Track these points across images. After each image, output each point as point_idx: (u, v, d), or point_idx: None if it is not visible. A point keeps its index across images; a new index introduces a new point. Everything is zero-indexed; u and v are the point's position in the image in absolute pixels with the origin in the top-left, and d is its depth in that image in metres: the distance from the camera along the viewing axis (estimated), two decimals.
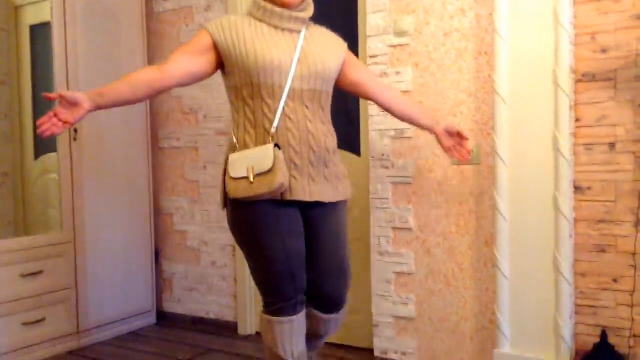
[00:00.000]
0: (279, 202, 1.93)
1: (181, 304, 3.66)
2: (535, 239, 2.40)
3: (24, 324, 2.98)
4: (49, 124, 1.74)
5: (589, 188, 2.37)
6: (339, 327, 2.21)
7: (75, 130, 3.20)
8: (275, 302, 2.01)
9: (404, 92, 2.75)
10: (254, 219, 1.93)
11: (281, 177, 1.84)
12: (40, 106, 3.38)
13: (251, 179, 1.86)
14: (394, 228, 2.81)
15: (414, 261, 2.77)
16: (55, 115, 1.75)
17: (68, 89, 3.16)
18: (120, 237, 3.44)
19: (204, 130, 3.52)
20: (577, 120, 2.38)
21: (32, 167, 3.54)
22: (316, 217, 2.03)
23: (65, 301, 3.16)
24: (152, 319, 3.62)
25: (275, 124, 1.91)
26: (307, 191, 1.95)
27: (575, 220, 2.39)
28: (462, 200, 2.66)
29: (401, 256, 2.80)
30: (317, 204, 2.00)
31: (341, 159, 2.13)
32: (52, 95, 1.79)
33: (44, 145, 3.39)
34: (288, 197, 1.93)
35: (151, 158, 3.62)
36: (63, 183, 3.18)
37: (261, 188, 1.85)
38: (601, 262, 2.35)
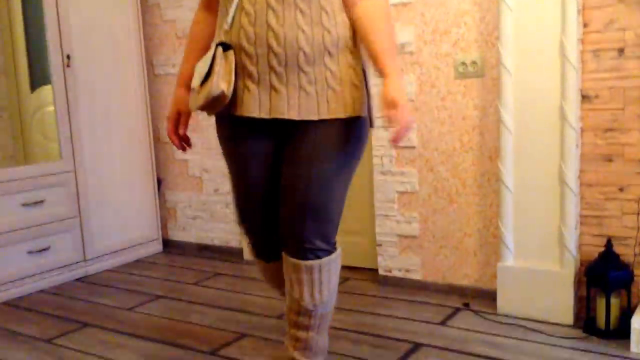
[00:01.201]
0: (237, 120, 1.62)
1: (186, 231, 3.67)
2: (541, 151, 2.35)
3: (30, 252, 3.00)
4: (175, 142, 1.83)
5: (596, 96, 2.30)
6: (322, 298, 1.69)
7: (68, 57, 3.13)
8: (246, 235, 1.84)
9: (406, 3, 2.65)
10: (219, 138, 1.75)
11: (217, 84, 1.51)
12: (33, 36, 3.29)
13: (196, 88, 1.58)
14: (396, 147, 2.77)
15: (418, 180, 2.74)
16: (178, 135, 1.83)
17: (58, 14, 3.07)
18: (121, 166, 3.42)
19: None
20: (585, 25, 2.29)
21: (28, 100, 3.48)
22: (292, 137, 1.63)
23: (70, 230, 3.17)
24: (158, 246, 3.64)
25: (229, 19, 1.56)
26: (264, 105, 1.56)
27: (582, 130, 2.34)
28: (465, 115, 2.60)
29: (404, 175, 2.77)
30: (299, 122, 1.60)
31: (351, 63, 1.62)
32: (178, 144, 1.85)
33: (38, 78, 3.33)
34: (237, 112, 1.59)
35: (147, 86, 3.55)
36: (60, 113, 3.13)
37: (200, 99, 1.56)
38: (608, 172, 2.31)
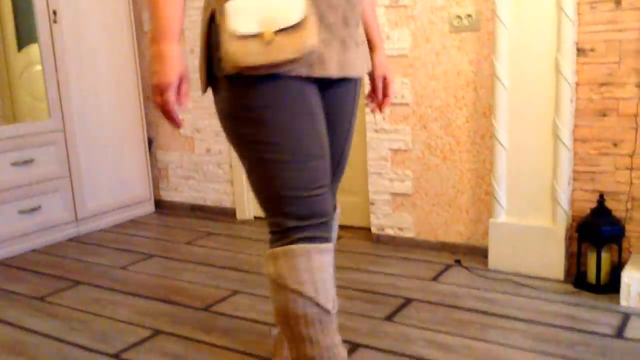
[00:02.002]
0: (299, 80, 1.28)
1: (178, 192, 3.66)
2: (535, 106, 2.32)
3: (21, 212, 2.98)
4: (175, 116, 1.29)
5: (592, 50, 2.26)
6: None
7: (55, 13, 3.05)
8: (311, 218, 1.30)
9: None
10: (268, 100, 1.26)
11: (314, 37, 1.22)
12: None
13: (269, 38, 1.20)
14: (390, 103, 2.73)
15: (411, 137, 2.72)
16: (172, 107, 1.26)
17: None
18: (111, 126, 3.37)
19: (189, 11, 3.35)
20: None
21: (16, 59, 3.41)
22: (334, 97, 1.43)
23: (60, 190, 3.14)
24: (150, 207, 3.63)
25: None
26: (340, 62, 1.33)
27: (577, 84, 2.31)
28: (460, 70, 2.56)
29: (397, 132, 2.74)
30: (342, 80, 1.42)
31: None
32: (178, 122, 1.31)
33: (26, 36, 3.26)
34: (317, 72, 1.28)
35: (137, 43, 3.48)
36: (47, 72, 3.08)
37: (284, 52, 1.21)
38: (602, 127, 2.29)
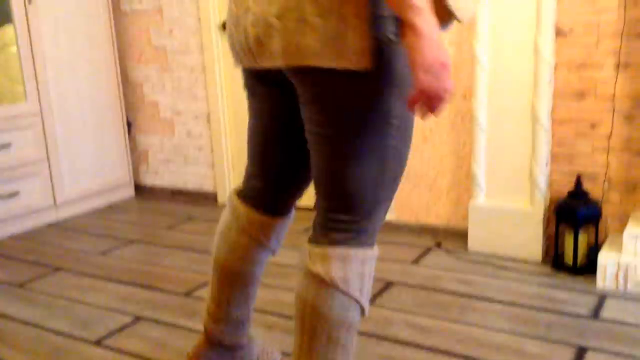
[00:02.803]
0: None
1: (159, 176, 3.63)
2: (514, 87, 2.33)
3: None
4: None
5: (570, 31, 2.26)
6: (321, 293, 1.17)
7: None
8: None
9: None
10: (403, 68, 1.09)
11: None
12: None
13: None
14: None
15: None
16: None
17: None
18: (89, 108, 3.33)
19: None
20: None
21: None
22: None
23: (39, 174, 3.10)
24: (130, 191, 3.60)
25: None
26: None
27: (555, 65, 2.31)
28: None
29: None
30: None
31: None
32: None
33: (0, 16, 3.18)
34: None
35: (114, 23, 3.42)
36: (23, 54, 3.01)
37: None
38: (580, 108, 2.30)
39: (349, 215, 1.15)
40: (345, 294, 1.16)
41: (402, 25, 0.99)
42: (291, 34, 1.04)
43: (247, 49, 1.14)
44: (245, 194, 1.41)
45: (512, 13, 2.27)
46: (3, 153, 2.94)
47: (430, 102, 0.98)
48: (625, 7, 2.14)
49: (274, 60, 1.09)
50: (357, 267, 1.16)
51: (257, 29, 1.09)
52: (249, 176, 1.40)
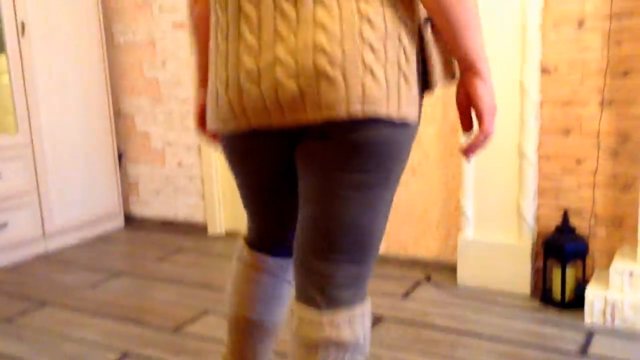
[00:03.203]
0: None
1: (149, 206, 3.63)
2: (501, 123, 2.36)
3: None
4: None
5: (555, 69, 2.31)
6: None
7: (23, 25, 3.01)
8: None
9: None
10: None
11: None
12: None
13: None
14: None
15: None
16: None
17: None
18: (80, 139, 3.33)
19: (161, 24, 3.34)
20: None
21: None
22: None
23: (28, 205, 3.09)
24: (119, 222, 3.59)
25: None
26: None
27: (541, 102, 2.35)
28: None
29: None
30: None
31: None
32: None
33: None
34: None
35: (107, 55, 3.45)
36: (15, 84, 3.03)
37: None
38: (565, 144, 2.34)
39: (358, 265, 1.11)
40: (361, 352, 1.13)
41: (468, 72, 1.05)
42: (354, 84, 0.99)
43: (270, 105, 1.04)
44: (258, 245, 1.35)
45: (498, 50, 2.31)
46: None
47: (487, 142, 1.05)
48: (608, 46, 2.19)
49: (316, 112, 1.01)
50: (365, 321, 1.13)
51: (297, 81, 1.00)
52: (259, 230, 1.33)
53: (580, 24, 2.23)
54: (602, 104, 2.24)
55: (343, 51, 0.98)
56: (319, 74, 0.98)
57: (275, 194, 1.25)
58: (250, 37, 1.03)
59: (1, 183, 2.97)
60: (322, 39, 0.98)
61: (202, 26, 1.27)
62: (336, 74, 0.98)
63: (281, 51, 1.00)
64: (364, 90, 0.99)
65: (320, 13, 0.99)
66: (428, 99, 2.58)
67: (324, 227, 1.08)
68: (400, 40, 1.03)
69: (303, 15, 0.99)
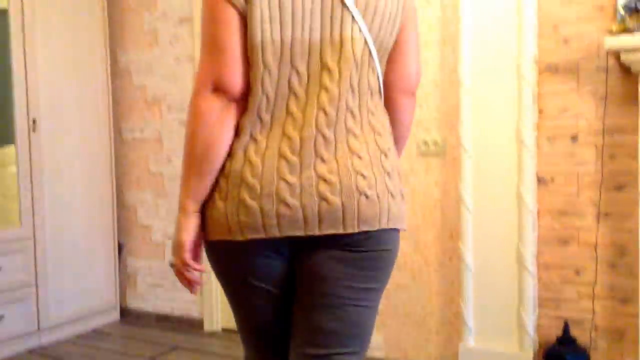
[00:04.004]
0: None
1: (145, 300, 3.59)
2: (500, 232, 2.39)
3: None
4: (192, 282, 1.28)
5: (552, 180, 2.36)
6: None
7: (34, 122, 3.11)
8: None
9: None
10: None
11: None
12: (1, 96, 3.28)
13: None
14: None
15: None
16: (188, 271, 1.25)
17: (26, 76, 3.06)
18: (82, 232, 3.35)
19: (168, 122, 3.44)
20: (540, 111, 2.37)
21: None
22: None
23: (25, 298, 3.07)
24: (115, 316, 3.54)
25: None
26: None
27: (539, 212, 2.39)
28: (427, 192, 2.64)
29: None
30: None
31: None
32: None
33: (2, 137, 3.29)
34: None
35: (114, 150, 3.54)
36: (22, 177, 3.09)
37: None
38: (564, 255, 2.35)
39: (358, 356, 1.25)
40: None
41: None
42: (384, 203, 1.19)
43: (308, 217, 1.16)
44: None
45: (495, 161, 2.38)
46: None
47: None
48: (602, 161, 2.26)
49: (337, 226, 1.17)
50: None
51: (340, 197, 1.16)
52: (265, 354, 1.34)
53: (574, 138, 2.31)
54: (598, 216, 2.27)
55: (374, 176, 1.19)
56: (360, 194, 1.17)
57: (280, 302, 1.29)
58: (291, 156, 1.16)
59: (1, 276, 2.96)
60: (359, 164, 1.18)
61: (222, 148, 1.21)
62: (373, 194, 1.18)
63: (324, 171, 1.16)
64: (389, 208, 1.20)
65: (352, 141, 1.19)
66: (427, 204, 2.63)
67: (332, 327, 1.22)
68: (398, 167, 1.27)
69: (340, 141, 1.18)
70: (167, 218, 3.48)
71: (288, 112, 1.18)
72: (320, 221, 1.16)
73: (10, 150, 3.17)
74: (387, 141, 1.25)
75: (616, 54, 2.16)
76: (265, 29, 1.15)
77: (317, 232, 1.17)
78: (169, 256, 3.50)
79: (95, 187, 3.42)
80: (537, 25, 2.34)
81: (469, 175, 2.43)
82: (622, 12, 2.12)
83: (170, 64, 3.39)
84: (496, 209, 2.38)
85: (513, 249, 2.36)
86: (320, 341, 1.22)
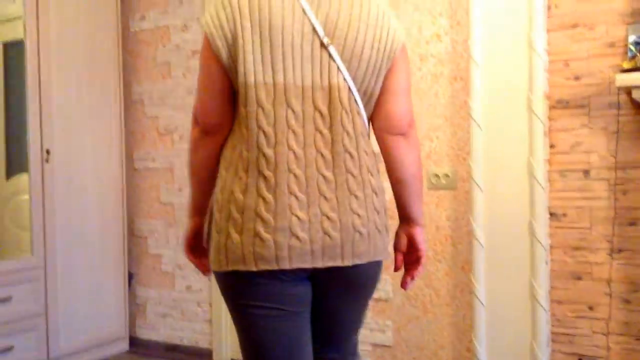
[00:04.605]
0: None
1: (155, 330, 3.58)
2: (512, 266, 2.38)
3: None
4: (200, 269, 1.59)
5: (564, 214, 2.36)
6: None
7: (48, 152, 3.14)
8: None
9: None
10: None
11: None
12: (13, 124, 3.32)
13: None
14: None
15: (392, 287, 2.74)
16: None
17: (40, 106, 3.10)
18: (92, 261, 3.36)
19: (180, 152, 3.47)
20: (551, 146, 2.38)
21: (3, 187, 3.46)
22: None
23: (35, 328, 3.07)
24: (124, 345, 3.53)
25: None
26: None
27: (551, 246, 2.38)
28: (439, 225, 2.64)
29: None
30: None
31: None
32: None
33: (16, 165, 3.33)
34: None
35: (125, 180, 3.56)
36: (34, 206, 3.11)
37: None
38: (577, 290, 2.34)
39: (357, 336, 1.60)
40: None
41: (412, 224, 1.48)
42: (372, 239, 1.38)
43: (314, 250, 1.32)
44: None
45: (506, 195, 2.38)
46: (3, 307, 2.93)
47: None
48: (615, 196, 2.26)
49: (336, 259, 1.35)
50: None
51: (340, 234, 1.33)
52: None
53: (586, 173, 2.31)
54: (611, 252, 2.27)
55: (367, 215, 1.36)
56: (355, 231, 1.34)
57: (288, 319, 1.44)
58: (299, 193, 1.30)
59: (11, 306, 2.97)
60: (355, 204, 1.35)
61: (211, 168, 1.43)
62: (365, 231, 1.36)
63: (327, 208, 1.32)
64: (376, 244, 1.39)
65: (351, 181, 1.34)
66: (438, 237, 2.63)
67: (348, 325, 1.53)
68: (385, 204, 1.44)
69: (340, 182, 1.33)
70: (177, 247, 3.49)
71: (290, 149, 1.31)
72: (323, 254, 1.33)
73: (23, 178, 3.20)
74: (378, 180, 1.41)
75: (627, 90, 2.17)
76: (258, 71, 1.29)
77: (320, 265, 1.33)
78: (179, 286, 3.50)
79: (106, 216, 3.44)
80: (547, 61, 2.36)
81: (480, 209, 2.43)
82: (632, 49, 2.14)
83: (182, 95, 3.43)
84: (508, 243, 2.38)
85: (526, 284, 2.35)
86: (333, 340, 1.53)
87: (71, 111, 3.26)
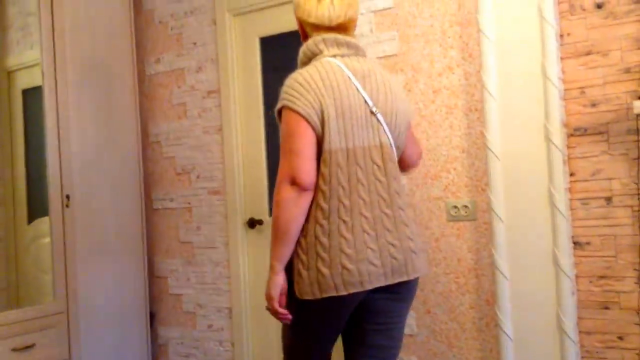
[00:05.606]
0: None
1: None
2: (537, 297, 2.34)
3: None
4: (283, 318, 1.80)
5: (588, 243, 2.32)
6: None
7: (68, 197, 3.17)
8: None
9: None
10: None
11: None
12: (33, 169, 3.36)
13: None
14: None
15: (415, 321, 2.70)
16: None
17: (60, 152, 3.14)
18: (114, 303, 3.36)
19: (198, 191, 3.49)
20: (571, 174, 2.35)
21: (25, 231, 3.50)
22: None
23: None
24: None
25: None
26: None
27: (577, 276, 2.34)
28: (460, 257, 2.61)
29: None
30: None
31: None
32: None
33: (37, 209, 3.36)
34: None
35: (145, 220, 3.58)
36: (56, 250, 3.13)
37: None
38: (605, 320, 2.29)
39: (398, 353, 1.92)
40: None
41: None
42: (422, 257, 1.83)
43: (386, 271, 1.72)
44: None
45: (528, 225, 2.35)
46: (26, 354, 2.94)
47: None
48: (639, 223, 2.22)
49: (403, 275, 1.75)
50: None
51: (402, 255, 1.75)
52: None
53: (609, 200, 2.28)
54: (638, 279, 2.22)
55: (415, 239, 1.81)
56: (411, 252, 1.78)
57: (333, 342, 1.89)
58: (370, 231, 1.71)
59: (35, 353, 2.97)
60: (407, 231, 1.79)
61: (301, 223, 1.71)
62: (417, 251, 1.80)
63: (390, 238, 1.74)
64: (424, 260, 1.85)
65: (402, 214, 1.78)
66: (460, 269, 2.60)
67: (393, 342, 1.87)
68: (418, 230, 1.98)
69: (396, 216, 1.76)
70: (197, 286, 3.49)
71: (359, 197, 1.71)
72: (392, 273, 1.73)
73: (44, 222, 3.23)
74: (410, 212, 1.92)
75: None
76: (338, 140, 1.70)
77: (390, 281, 1.73)
78: (200, 325, 3.49)
79: (127, 258, 3.45)
80: (563, 89, 2.35)
81: (502, 240, 2.40)
82: None
83: (198, 135, 3.46)
84: (532, 275, 2.34)
85: (553, 315, 2.30)
86: (375, 353, 1.84)
87: (89, 155, 3.30)
